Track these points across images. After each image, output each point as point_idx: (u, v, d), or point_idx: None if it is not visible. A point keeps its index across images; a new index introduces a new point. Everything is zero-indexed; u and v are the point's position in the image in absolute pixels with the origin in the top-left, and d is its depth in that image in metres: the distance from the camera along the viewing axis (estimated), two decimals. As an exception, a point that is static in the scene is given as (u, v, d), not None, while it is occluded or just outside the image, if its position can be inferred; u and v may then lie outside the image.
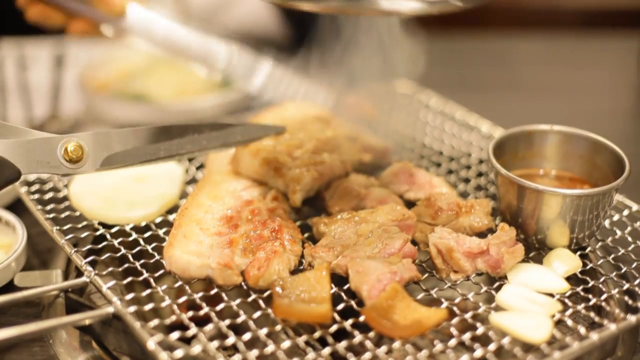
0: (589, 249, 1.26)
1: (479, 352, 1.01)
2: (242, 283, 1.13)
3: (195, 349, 0.99)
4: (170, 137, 1.22)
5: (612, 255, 1.24)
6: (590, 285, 1.16)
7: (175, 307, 1.07)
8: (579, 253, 1.24)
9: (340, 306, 1.09)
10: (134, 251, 1.21)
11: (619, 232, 1.29)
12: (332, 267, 1.15)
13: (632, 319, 1.08)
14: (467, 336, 1.03)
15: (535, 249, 1.25)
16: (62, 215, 1.30)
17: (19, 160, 1.09)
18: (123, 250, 1.21)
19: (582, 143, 1.33)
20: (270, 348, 1.01)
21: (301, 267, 1.18)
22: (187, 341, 1.03)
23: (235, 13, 2.23)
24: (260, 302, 1.10)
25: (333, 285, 1.12)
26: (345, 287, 1.12)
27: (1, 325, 1.03)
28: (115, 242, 1.23)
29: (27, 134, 1.11)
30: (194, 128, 1.24)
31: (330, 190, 1.34)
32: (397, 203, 1.28)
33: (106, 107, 1.85)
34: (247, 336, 1.02)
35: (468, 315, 1.08)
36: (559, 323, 1.08)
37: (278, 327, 1.06)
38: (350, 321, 1.06)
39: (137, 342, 1.03)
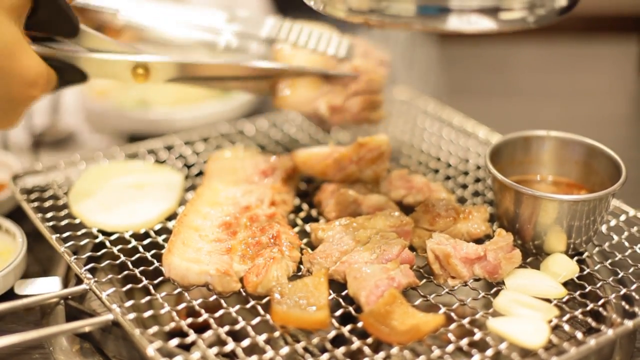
0: (586, 254, 1.27)
1: (476, 358, 1.01)
2: (241, 289, 1.14)
3: (195, 355, 1.00)
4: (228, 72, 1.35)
5: (609, 261, 1.25)
6: (587, 290, 1.17)
7: (174, 313, 1.07)
8: (576, 258, 1.24)
9: (339, 312, 1.10)
10: (133, 258, 1.21)
11: (615, 237, 1.30)
12: (330, 273, 1.15)
13: (629, 324, 1.08)
14: (464, 342, 1.04)
15: (533, 255, 1.25)
16: (62, 223, 1.30)
17: (89, 70, 1.25)
18: (122, 258, 1.21)
19: (579, 149, 1.34)
20: (269, 354, 1.01)
21: (299, 273, 1.18)
22: (186, 348, 1.03)
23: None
24: (259, 308, 1.10)
25: (331, 292, 1.12)
26: (344, 293, 1.13)
27: (1, 333, 1.03)
28: (115, 250, 1.24)
29: (107, 49, 1.26)
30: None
31: (327, 197, 1.34)
32: (394, 209, 1.29)
33: (106, 115, 1.86)
34: (245, 342, 1.03)
35: (466, 321, 1.08)
36: (556, 328, 1.08)
37: (277, 334, 1.06)
38: (348, 327, 1.06)
39: (136, 349, 1.04)
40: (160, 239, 1.27)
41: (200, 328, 1.05)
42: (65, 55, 1.22)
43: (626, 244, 1.28)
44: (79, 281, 1.20)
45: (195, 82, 1.35)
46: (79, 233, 1.29)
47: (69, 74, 1.23)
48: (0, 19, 1.07)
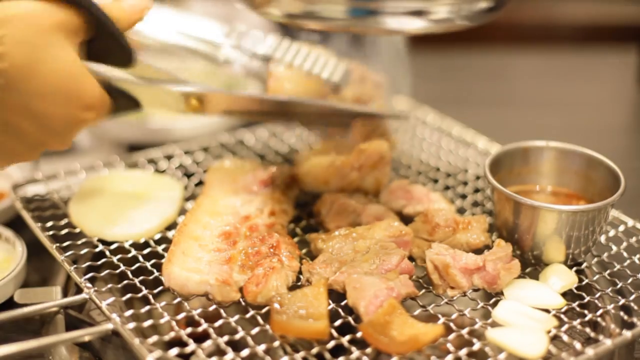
0: (584, 264, 1.27)
1: (475, 368, 1.01)
2: (241, 299, 1.14)
3: (194, 365, 1.00)
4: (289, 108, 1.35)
5: (608, 271, 1.25)
6: (586, 300, 1.17)
7: (174, 323, 1.08)
8: (574, 269, 1.24)
9: (338, 322, 1.10)
10: (133, 268, 1.21)
11: (614, 248, 1.30)
12: (330, 283, 1.15)
13: (627, 334, 1.08)
14: (463, 352, 1.04)
15: (532, 265, 1.25)
16: (62, 232, 1.30)
17: (143, 99, 1.26)
18: (122, 267, 1.21)
19: (578, 159, 1.34)
20: (268, 364, 1.01)
21: (299, 283, 1.18)
22: (185, 357, 1.03)
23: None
24: (259, 318, 1.10)
25: (330, 302, 1.12)
26: (343, 303, 1.13)
27: (1, 342, 1.03)
28: (115, 259, 1.24)
29: (161, 79, 1.26)
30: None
31: (326, 207, 1.34)
32: (394, 219, 1.29)
33: (106, 124, 1.86)
34: (245, 352, 1.03)
35: (464, 331, 1.08)
36: (555, 338, 1.08)
37: (276, 343, 1.06)
38: (347, 337, 1.06)
39: (136, 359, 1.03)
40: (160, 249, 1.27)
41: (200, 338, 1.06)
42: (119, 83, 1.22)
43: (625, 254, 1.28)
44: (79, 290, 1.20)
45: (251, 116, 1.36)
46: (79, 242, 1.29)
47: (123, 102, 1.24)
48: (61, 42, 1.09)
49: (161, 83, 1.25)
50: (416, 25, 1.07)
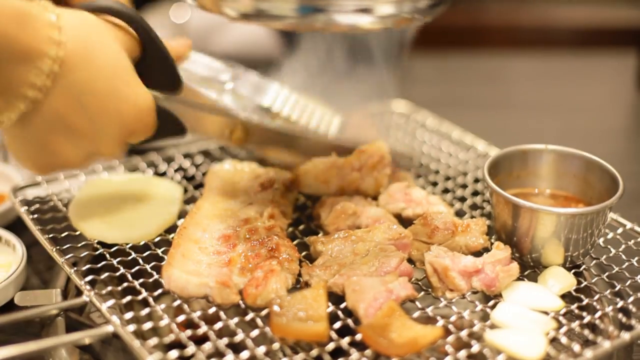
0: (583, 267, 1.27)
1: (474, 370, 1.02)
2: (240, 302, 1.14)
3: (194, 367, 1.00)
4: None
5: (607, 273, 1.25)
6: (584, 303, 1.17)
7: (173, 325, 1.08)
8: (573, 271, 1.25)
9: (337, 324, 1.10)
10: (133, 270, 1.22)
11: (613, 250, 1.30)
12: (329, 285, 1.16)
13: (626, 336, 1.09)
14: (462, 354, 1.04)
15: (530, 267, 1.26)
16: (62, 235, 1.30)
17: (188, 124, 1.25)
18: (122, 270, 1.22)
19: (576, 162, 1.35)
20: (267, 366, 1.01)
21: (298, 286, 1.19)
22: (185, 360, 1.04)
23: (230, 35, 2.25)
24: (258, 320, 1.10)
25: (330, 304, 1.13)
26: (342, 305, 1.13)
27: (1, 344, 1.03)
28: (115, 262, 1.24)
29: (205, 106, 1.29)
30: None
31: (326, 210, 1.35)
32: (392, 222, 1.30)
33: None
34: (245, 355, 1.03)
35: (463, 333, 1.09)
36: (554, 341, 1.08)
37: (276, 346, 1.06)
38: (347, 339, 1.06)
39: (136, 361, 1.04)
40: (159, 251, 1.27)
41: (200, 340, 1.06)
42: (166, 104, 1.22)
43: (623, 256, 1.29)
44: (79, 293, 1.20)
45: (292, 151, 1.38)
46: (79, 245, 1.29)
47: (168, 125, 1.23)
48: (117, 47, 1.11)
49: (208, 110, 1.26)
50: (364, 22, 1.11)
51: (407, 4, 1.11)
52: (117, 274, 1.21)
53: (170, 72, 1.21)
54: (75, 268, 1.21)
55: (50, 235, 1.29)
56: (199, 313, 1.11)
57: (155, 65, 1.19)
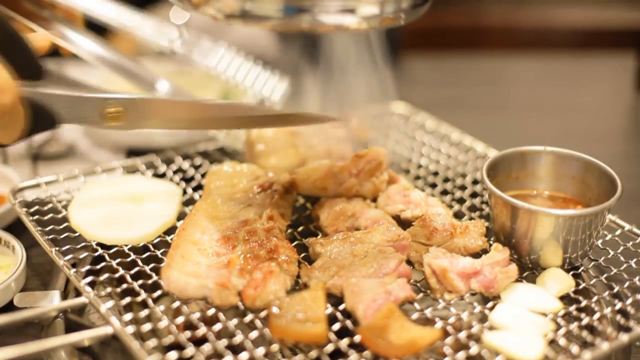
0: (581, 268, 1.28)
1: (473, 371, 1.02)
2: (239, 303, 1.14)
3: (193, 368, 1.00)
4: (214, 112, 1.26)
5: (605, 275, 1.25)
6: (583, 304, 1.17)
7: (173, 327, 1.08)
8: (572, 273, 1.25)
9: (336, 326, 1.10)
10: (132, 272, 1.22)
11: (611, 252, 1.30)
12: (328, 287, 1.16)
13: (624, 338, 1.09)
14: (461, 355, 1.04)
15: (529, 269, 1.26)
16: (61, 236, 1.31)
17: (60, 111, 1.16)
18: (121, 271, 1.22)
19: (575, 164, 1.35)
20: (266, 368, 1.02)
21: (297, 287, 1.19)
22: (184, 361, 1.04)
23: (230, 35, 2.25)
24: (257, 322, 1.11)
25: (329, 305, 1.13)
26: (341, 307, 1.14)
27: (1, 346, 1.03)
28: (114, 263, 1.24)
29: (76, 88, 1.18)
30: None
31: (325, 211, 1.35)
32: (391, 223, 1.30)
33: (105, 130, 1.86)
34: (244, 356, 1.03)
35: (462, 335, 1.09)
36: (552, 342, 1.09)
37: (275, 347, 1.06)
38: (345, 341, 1.07)
39: (135, 362, 1.04)
40: (159, 253, 1.28)
41: (199, 341, 1.06)
42: (32, 94, 1.13)
43: (621, 258, 1.29)
44: (78, 294, 1.20)
45: (179, 125, 1.27)
46: (78, 246, 1.29)
47: (38, 118, 1.14)
48: None
49: (78, 92, 1.17)
50: (348, 22, 1.11)
51: (390, 5, 1.12)
52: (117, 275, 1.21)
53: (28, 58, 1.15)
54: (74, 269, 1.21)
55: (50, 237, 1.29)
56: (198, 314, 1.11)
57: (15, 54, 1.12)
